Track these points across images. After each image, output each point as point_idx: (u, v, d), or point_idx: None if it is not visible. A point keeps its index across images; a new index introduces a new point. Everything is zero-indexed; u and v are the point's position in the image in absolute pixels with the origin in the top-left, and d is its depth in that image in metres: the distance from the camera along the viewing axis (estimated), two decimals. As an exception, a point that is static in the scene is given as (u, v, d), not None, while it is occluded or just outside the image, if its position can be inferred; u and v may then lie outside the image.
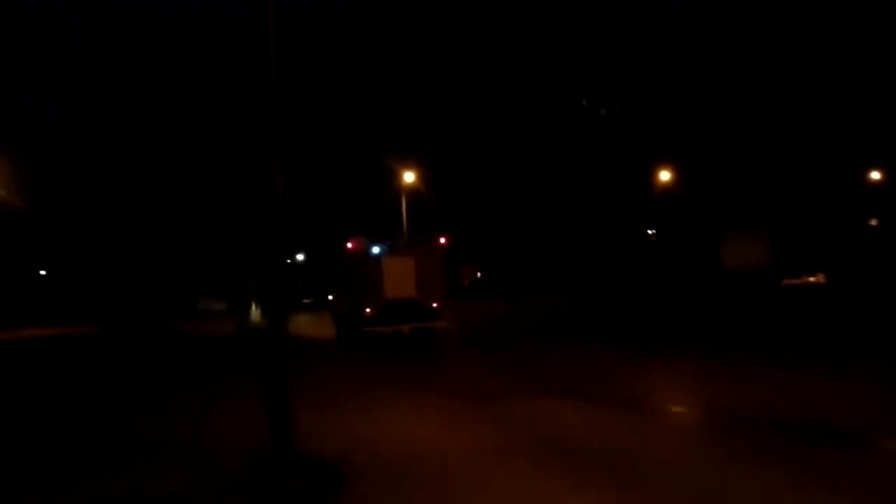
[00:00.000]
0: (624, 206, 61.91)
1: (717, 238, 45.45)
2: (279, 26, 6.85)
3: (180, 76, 59.42)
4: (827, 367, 13.07)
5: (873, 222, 48.19)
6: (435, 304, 22.18)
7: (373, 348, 21.46)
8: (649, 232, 63.52)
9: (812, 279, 44.64)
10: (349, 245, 22.68)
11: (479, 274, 63.97)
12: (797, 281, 42.96)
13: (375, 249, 22.49)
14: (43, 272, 67.16)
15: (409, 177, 51.28)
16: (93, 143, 60.76)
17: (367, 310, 21.82)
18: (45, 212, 54.85)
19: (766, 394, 10.84)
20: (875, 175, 47.87)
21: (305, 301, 64.13)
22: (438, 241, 23.28)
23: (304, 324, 32.50)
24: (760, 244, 42.74)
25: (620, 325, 26.02)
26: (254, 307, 32.72)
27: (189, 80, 60.46)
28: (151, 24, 74.02)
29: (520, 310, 38.85)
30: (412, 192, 52.34)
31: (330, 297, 30.03)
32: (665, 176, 54.42)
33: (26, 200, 49.99)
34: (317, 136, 62.64)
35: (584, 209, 64.86)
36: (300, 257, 69.15)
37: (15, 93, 70.39)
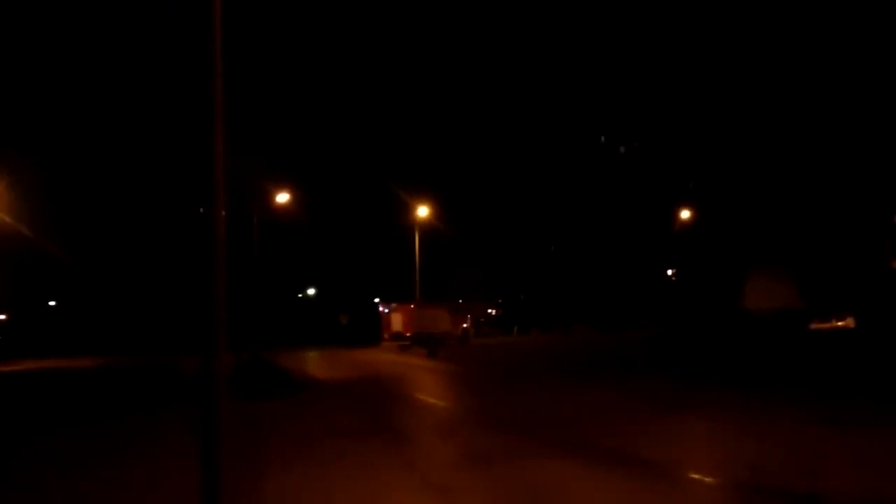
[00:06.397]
0: (643, 245, 60.56)
1: (738, 278, 43.67)
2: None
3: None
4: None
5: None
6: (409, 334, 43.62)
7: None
8: (669, 272, 61.96)
9: (840, 323, 42.64)
10: (381, 308, 48.43)
11: (491, 311, 62.55)
12: (825, 325, 40.99)
13: (385, 310, 47.18)
14: (52, 303, 66.24)
15: (422, 211, 50.09)
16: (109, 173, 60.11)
17: (385, 335, 45.44)
18: (55, 239, 53.79)
19: (806, 456, 9.37)
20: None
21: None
22: (411, 304, 45.36)
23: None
24: (785, 284, 40.78)
25: (640, 367, 24.48)
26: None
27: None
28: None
29: (538, 346, 38.17)
30: (427, 226, 51.19)
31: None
32: (685, 214, 53.14)
33: (35, 228, 49.14)
34: (333, 170, 61.96)
35: (602, 247, 63.60)
36: (311, 292, 67.90)
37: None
